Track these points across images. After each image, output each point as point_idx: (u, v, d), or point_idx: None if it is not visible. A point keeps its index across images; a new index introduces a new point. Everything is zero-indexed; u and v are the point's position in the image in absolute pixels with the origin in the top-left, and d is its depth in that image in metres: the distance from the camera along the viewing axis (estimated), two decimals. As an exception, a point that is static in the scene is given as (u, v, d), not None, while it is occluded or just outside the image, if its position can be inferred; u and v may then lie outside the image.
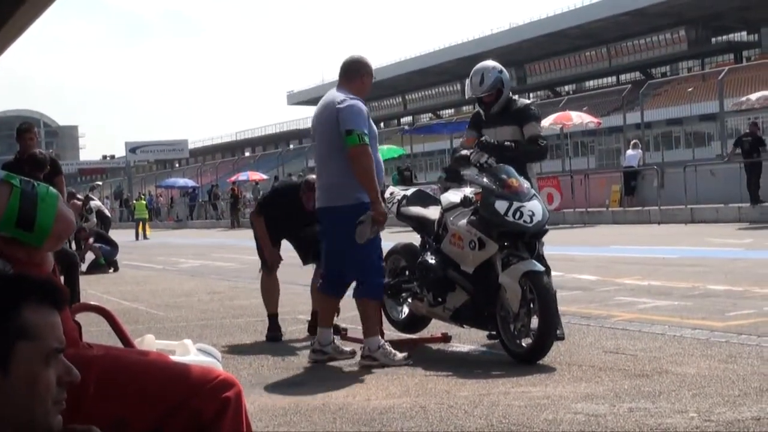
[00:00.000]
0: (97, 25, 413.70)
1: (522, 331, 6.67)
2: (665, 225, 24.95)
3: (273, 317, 8.54)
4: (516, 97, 7.99)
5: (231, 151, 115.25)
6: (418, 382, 6.13)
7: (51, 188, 2.74)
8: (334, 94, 7.02)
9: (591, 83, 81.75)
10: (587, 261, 15.11)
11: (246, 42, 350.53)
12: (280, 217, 8.56)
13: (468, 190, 7.29)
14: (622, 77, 77.64)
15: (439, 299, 7.28)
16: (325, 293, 7.22)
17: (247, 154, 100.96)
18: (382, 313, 7.53)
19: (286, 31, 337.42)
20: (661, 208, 26.48)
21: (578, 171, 34.34)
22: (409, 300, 7.83)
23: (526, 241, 6.97)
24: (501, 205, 6.86)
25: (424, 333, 8.00)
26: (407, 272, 7.86)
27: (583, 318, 8.62)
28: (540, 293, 6.54)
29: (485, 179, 7.13)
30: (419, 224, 7.79)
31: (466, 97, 8.12)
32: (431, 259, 7.38)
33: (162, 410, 2.56)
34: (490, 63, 7.94)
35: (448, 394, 5.68)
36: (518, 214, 6.84)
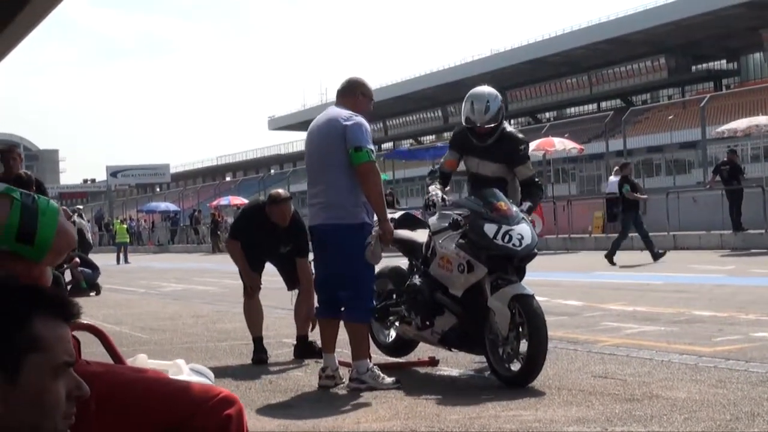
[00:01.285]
0: (75, 48, 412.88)
1: (511, 355, 6.64)
2: (648, 251, 24.94)
3: (258, 340, 8.50)
4: (504, 125, 7.65)
5: (212, 175, 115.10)
6: (407, 405, 6.08)
7: (52, 202, 2.70)
8: (337, 111, 6.92)
9: (572, 110, 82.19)
10: (572, 286, 15.12)
11: (227, 67, 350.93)
12: (253, 237, 8.55)
13: (456, 213, 7.27)
14: (603, 104, 78.16)
15: (427, 323, 7.24)
16: (324, 317, 7.08)
17: (228, 178, 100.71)
18: (369, 337, 7.49)
19: (268, 56, 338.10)
20: (643, 234, 26.47)
21: (560, 197, 34.45)
22: (397, 323, 7.78)
23: (515, 264, 6.96)
24: (490, 228, 6.84)
25: (412, 357, 7.96)
26: (394, 296, 7.82)
27: (570, 343, 8.60)
28: (529, 317, 6.52)
29: (473, 202, 7.11)
30: (407, 247, 7.75)
31: (463, 122, 7.56)
32: (419, 283, 7.35)
33: (163, 427, 2.52)
34: (492, 90, 7.63)
35: (438, 418, 5.64)
36: (507, 238, 6.81)
